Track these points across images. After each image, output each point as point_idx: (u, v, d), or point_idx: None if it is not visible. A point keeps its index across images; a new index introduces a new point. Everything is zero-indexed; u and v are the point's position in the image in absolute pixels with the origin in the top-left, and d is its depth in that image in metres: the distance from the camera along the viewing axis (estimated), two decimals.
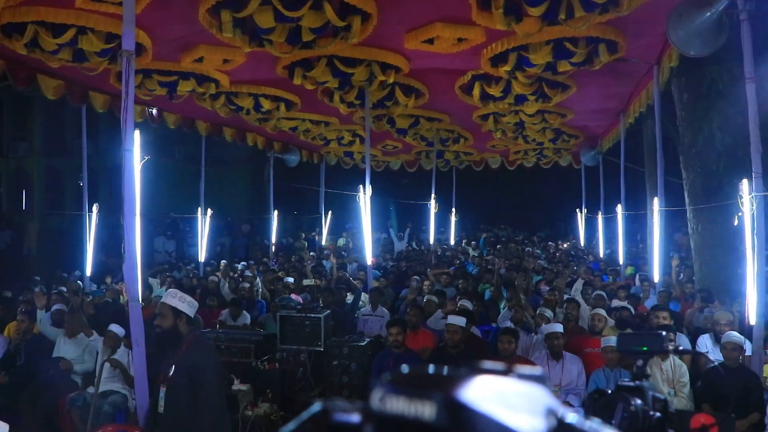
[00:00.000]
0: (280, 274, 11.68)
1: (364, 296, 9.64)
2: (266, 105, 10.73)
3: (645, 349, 1.74)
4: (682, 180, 9.22)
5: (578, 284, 9.93)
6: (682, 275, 10.01)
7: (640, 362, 1.67)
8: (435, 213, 15.28)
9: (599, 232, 16.12)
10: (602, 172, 16.16)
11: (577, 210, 18.98)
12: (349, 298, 9.64)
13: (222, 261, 14.42)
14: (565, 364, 6.13)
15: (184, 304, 3.99)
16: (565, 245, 19.94)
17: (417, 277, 10.77)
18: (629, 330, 6.82)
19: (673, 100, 9.39)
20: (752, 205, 5.26)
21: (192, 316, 4.01)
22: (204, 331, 7.55)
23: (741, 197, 5.35)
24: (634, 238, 18.35)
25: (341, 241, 20.54)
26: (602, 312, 7.06)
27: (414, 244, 20.04)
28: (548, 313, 7.22)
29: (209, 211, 13.43)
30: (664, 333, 1.81)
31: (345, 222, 23.35)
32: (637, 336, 1.85)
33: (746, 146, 5.49)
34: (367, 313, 8.71)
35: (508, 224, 26.88)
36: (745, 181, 5.40)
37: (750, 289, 5.34)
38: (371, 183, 9.85)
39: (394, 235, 19.44)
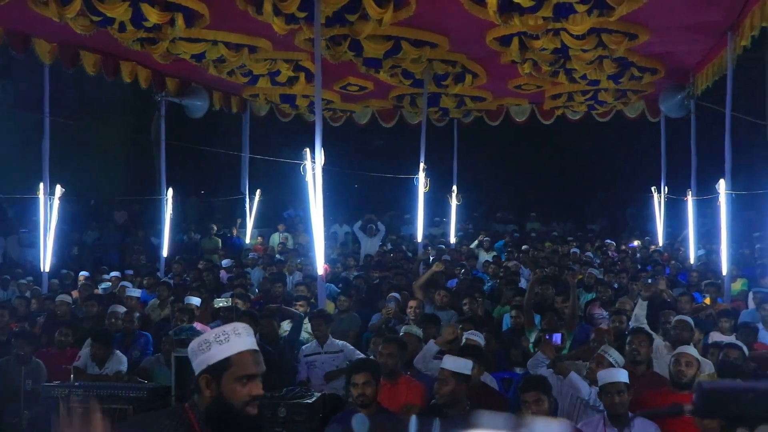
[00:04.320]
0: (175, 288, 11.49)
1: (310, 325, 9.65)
2: (153, 16, 10.61)
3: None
4: None
5: (640, 308, 9.91)
6: None
7: None
8: (425, 193, 15.24)
9: (689, 223, 16.23)
10: (695, 129, 16.25)
11: (653, 189, 19.12)
12: (286, 327, 9.65)
13: (81, 273, 14.20)
14: None
15: None
16: (635, 244, 20.05)
17: (396, 294, 10.81)
18: (739, 381, 6.84)
19: None
20: None
21: None
22: (50, 384, 7.47)
23: None
24: (747, 234, 18.39)
25: (276, 238, 20.48)
26: (692, 351, 7.05)
27: (392, 244, 20.05)
28: (612, 353, 7.18)
29: (58, 190, 13.18)
30: None
31: (282, 208, 23.27)
32: (735, 392, 1.90)
33: None
34: (312, 351, 8.80)
35: (540, 212, 26.98)
36: None
37: None
38: (325, 145, 9.86)
39: (360, 230, 19.39)
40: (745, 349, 7.76)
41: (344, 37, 11.95)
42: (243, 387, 3.31)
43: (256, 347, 3.47)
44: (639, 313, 9.66)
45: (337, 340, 8.98)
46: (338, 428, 6.34)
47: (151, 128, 17.70)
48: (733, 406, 1.97)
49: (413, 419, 6.24)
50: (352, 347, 8.94)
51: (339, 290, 12.52)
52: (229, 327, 3.46)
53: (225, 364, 3.32)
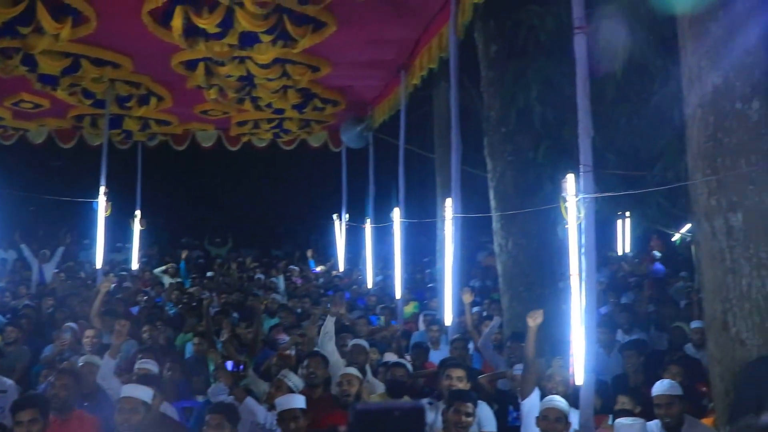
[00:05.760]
0: None
1: None
2: None
3: None
4: (486, 173, 9.86)
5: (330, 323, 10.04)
6: (486, 313, 10.89)
7: None
8: (107, 217, 14.70)
9: (367, 249, 16.83)
10: (373, 159, 16.91)
11: (335, 216, 19.66)
12: None
13: None
14: None
15: None
16: (318, 269, 20.49)
17: (73, 324, 10.44)
18: (407, 398, 7.11)
19: (477, 54, 10.00)
20: (579, 212, 5.69)
21: None
22: None
23: (565, 200, 5.78)
24: (419, 260, 19.34)
25: None
26: (354, 372, 7.38)
27: (68, 270, 19.08)
28: (292, 378, 7.24)
29: None
30: (426, 404, 1.86)
31: None
32: (383, 412, 1.99)
33: (575, 125, 5.97)
34: None
35: (226, 237, 26.95)
36: (569, 177, 5.85)
37: (576, 335, 5.78)
38: None
39: (30, 254, 18.30)
40: (408, 366, 8.09)
41: (16, 50, 11.38)
42: None
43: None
44: (329, 327, 9.67)
45: (4, 378, 8.32)
46: None
47: None
48: (381, 426, 2.02)
49: None
50: (16, 388, 8.31)
51: (6, 320, 11.74)
52: None
53: None
